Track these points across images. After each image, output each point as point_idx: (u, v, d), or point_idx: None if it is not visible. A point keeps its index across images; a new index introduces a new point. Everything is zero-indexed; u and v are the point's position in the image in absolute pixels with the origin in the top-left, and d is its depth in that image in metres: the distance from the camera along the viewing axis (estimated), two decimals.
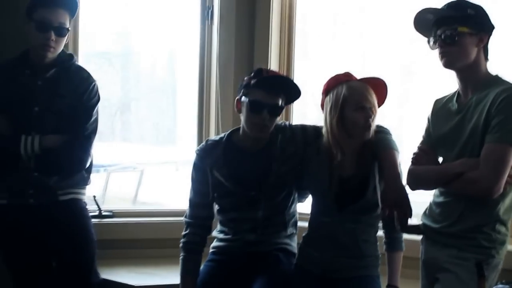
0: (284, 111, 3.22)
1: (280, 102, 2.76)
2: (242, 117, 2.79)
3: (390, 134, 2.73)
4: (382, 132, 2.71)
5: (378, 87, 2.69)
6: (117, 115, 11.33)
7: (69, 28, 2.89)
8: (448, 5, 2.50)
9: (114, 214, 3.61)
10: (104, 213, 3.55)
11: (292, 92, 2.81)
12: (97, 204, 3.54)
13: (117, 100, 10.57)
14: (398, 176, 2.57)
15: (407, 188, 2.61)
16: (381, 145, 2.65)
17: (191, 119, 3.94)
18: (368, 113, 2.61)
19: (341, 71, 2.74)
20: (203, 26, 3.77)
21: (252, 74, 2.78)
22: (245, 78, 2.82)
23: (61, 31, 2.82)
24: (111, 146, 10.10)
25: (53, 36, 2.80)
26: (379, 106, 2.70)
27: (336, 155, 2.70)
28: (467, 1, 2.49)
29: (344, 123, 2.64)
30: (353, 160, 2.71)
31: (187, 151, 4.10)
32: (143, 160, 7.31)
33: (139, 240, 3.60)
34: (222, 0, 3.67)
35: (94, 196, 3.55)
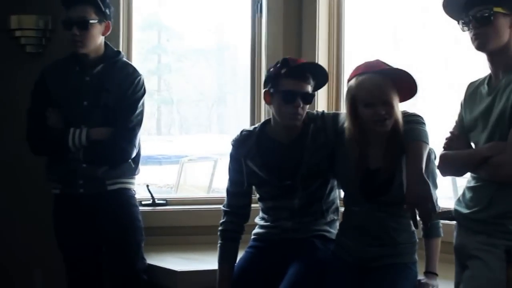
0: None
1: (310, 89, 2.72)
2: (273, 108, 2.77)
3: (422, 123, 2.56)
4: (412, 122, 2.55)
5: (402, 80, 2.54)
6: (213, 108, 11.58)
7: (96, 21, 2.93)
8: None
9: (167, 202, 3.66)
10: (158, 201, 3.61)
11: (320, 77, 2.77)
12: (150, 192, 3.59)
13: (213, 93, 10.82)
14: (420, 171, 2.41)
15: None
16: (408, 136, 2.51)
17: None
18: (377, 110, 2.48)
19: (371, 59, 2.62)
20: (253, 19, 3.76)
21: (279, 65, 2.74)
22: (271, 70, 2.78)
23: (82, 25, 2.89)
24: (207, 138, 10.41)
25: (76, 31, 2.88)
26: (405, 100, 2.57)
27: (361, 147, 2.61)
28: None
29: (358, 118, 2.55)
30: (380, 152, 2.60)
31: None
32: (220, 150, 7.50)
33: (188, 227, 3.62)
34: None
35: (147, 185, 3.62)
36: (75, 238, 3.01)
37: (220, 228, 2.88)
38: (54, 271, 3.36)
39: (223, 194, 2.99)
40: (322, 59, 3.65)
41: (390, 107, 2.49)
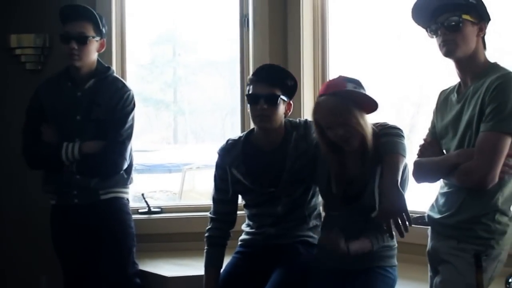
0: None
1: (277, 92, 2.69)
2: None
3: (399, 136, 2.50)
4: (390, 134, 2.51)
5: (361, 98, 2.50)
6: (227, 118, 11.61)
7: (94, 37, 2.95)
8: None
9: (162, 210, 3.66)
10: (153, 210, 3.61)
11: (288, 82, 2.75)
12: (145, 201, 3.61)
13: (226, 104, 10.86)
14: (396, 183, 2.37)
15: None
16: (385, 149, 2.46)
17: None
18: (336, 132, 2.46)
19: (334, 76, 2.61)
20: (241, 33, 3.75)
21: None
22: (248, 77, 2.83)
23: (81, 40, 2.90)
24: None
25: (74, 45, 2.89)
26: (367, 111, 2.50)
27: (336, 158, 2.59)
28: None
29: (325, 137, 2.54)
30: (356, 161, 2.57)
31: None
32: None
33: (182, 234, 3.61)
34: (255, 7, 3.61)
35: (143, 194, 3.62)
36: (72, 245, 3.03)
37: (206, 234, 2.88)
38: (60, 278, 3.32)
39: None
40: (307, 71, 3.64)
41: (350, 127, 2.45)
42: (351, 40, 3.77)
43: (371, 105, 2.50)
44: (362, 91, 2.51)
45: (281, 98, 2.71)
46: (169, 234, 3.58)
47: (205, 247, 2.86)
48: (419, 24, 2.42)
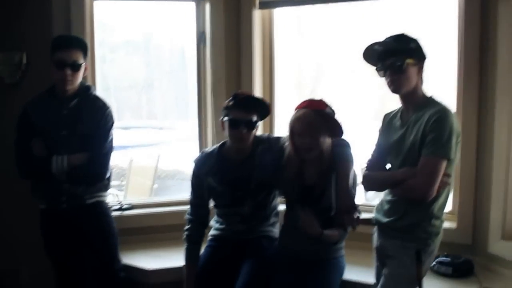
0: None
1: (254, 118, 2.91)
2: (226, 133, 2.95)
3: (348, 147, 2.81)
4: (340, 145, 2.80)
5: (332, 122, 2.75)
6: (143, 93, 11.50)
7: (84, 64, 3.01)
8: (393, 38, 2.55)
9: (132, 206, 3.74)
10: (124, 207, 3.69)
11: (263, 109, 2.96)
12: (118, 201, 3.69)
13: (142, 80, 10.76)
14: (348, 187, 2.68)
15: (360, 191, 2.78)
16: (337, 158, 2.76)
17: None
18: (304, 140, 2.73)
19: (316, 98, 2.82)
20: (198, 48, 3.83)
21: (230, 99, 2.94)
22: (225, 102, 2.96)
23: (76, 67, 2.96)
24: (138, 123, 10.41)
25: (69, 71, 2.94)
26: (334, 136, 2.77)
27: (298, 166, 2.84)
28: (408, 36, 2.55)
29: (294, 144, 2.79)
30: (315, 170, 2.83)
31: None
32: None
33: (152, 227, 3.72)
34: (212, 26, 3.72)
35: (117, 195, 3.70)
36: (62, 245, 3.10)
37: (186, 233, 3.05)
38: (40, 270, 3.43)
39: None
40: (257, 83, 3.81)
41: (316, 141, 2.73)
42: (296, 54, 3.95)
43: (338, 132, 2.78)
44: (335, 117, 2.77)
45: (257, 122, 2.93)
46: (139, 228, 3.67)
47: (186, 245, 3.04)
48: (369, 63, 2.63)
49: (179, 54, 8.91)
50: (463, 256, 3.15)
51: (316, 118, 2.73)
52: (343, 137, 2.84)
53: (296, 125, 2.76)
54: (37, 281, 3.60)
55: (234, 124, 2.88)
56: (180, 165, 9.01)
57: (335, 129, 2.77)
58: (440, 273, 3.09)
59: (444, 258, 3.13)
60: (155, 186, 5.68)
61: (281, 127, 3.38)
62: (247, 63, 3.76)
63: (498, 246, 3.12)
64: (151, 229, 3.70)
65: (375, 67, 2.61)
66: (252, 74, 3.75)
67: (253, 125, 2.92)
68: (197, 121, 3.88)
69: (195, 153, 3.23)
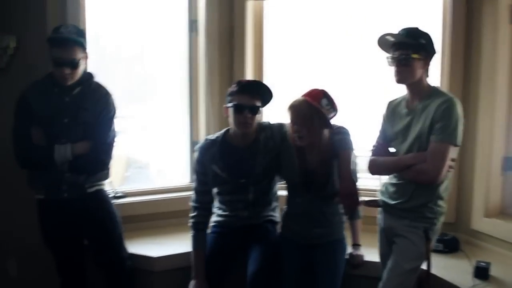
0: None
1: (258, 103, 2.89)
2: (230, 119, 2.93)
3: (348, 134, 2.81)
4: (339, 133, 2.80)
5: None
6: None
7: (83, 58, 2.87)
8: (405, 32, 2.60)
9: (126, 195, 3.63)
10: (118, 195, 3.57)
11: (267, 94, 2.94)
12: (112, 189, 3.54)
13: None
14: (349, 174, 2.69)
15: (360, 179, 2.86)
16: (337, 145, 2.76)
17: None
18: (295, 128, 2.76)
19: (317, 87, 2.82)
20: (190, 37, 3.76)
21: (234, 85, 2.91)
22: (229, 89, 2.94)
23: (74, 65, 2.82)
24: None
25: (67, 70, 2.80)
26: (321, 124, 2.77)
27: (299, 153, 2.87)
28: (420, 31, 2.60)
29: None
30: (317, 156, 2.85)
31: None
32: None
33: (147, 215, 3.65)
34: (207, 15, 3.67)
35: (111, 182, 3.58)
36: (63, 235, 2.97)
37: (192, 220, 3.00)
38: (28, 261, 3.29)
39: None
40: (249, 72, 3.78)
41: (306, 130, 2.75)
42: (287, 44, 3.90)
43: (325, 124, 2.79)
44: (331, 110, 2.78)
45: (261, 108, 2.92)
46: (135, 215, 3.57)
47: (193, 232, 2.98)
48: (383, 50, 2.66)
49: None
50: (448, 233, 3.29)
51: (305, 108, 2.74)
52: (343, 125, 2.85)
53: (289, 113, 2.79)
54: (25, 272, 3.44)
55: (238, 109, 2.86)
56: (135, 153, 8.77)
57: (323, 121, 2.78)
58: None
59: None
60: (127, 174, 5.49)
61: (272, 116, 3.35)
62: (239, 53, 3.74)
63: (481, 223, 3.28)
64: (146, 217, 3.62)
65: (386, 57, 2.65)
66: (245, 63, 3.73)
67: (256, 110, 2.90)
68: (188, 110, 3.81)
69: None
